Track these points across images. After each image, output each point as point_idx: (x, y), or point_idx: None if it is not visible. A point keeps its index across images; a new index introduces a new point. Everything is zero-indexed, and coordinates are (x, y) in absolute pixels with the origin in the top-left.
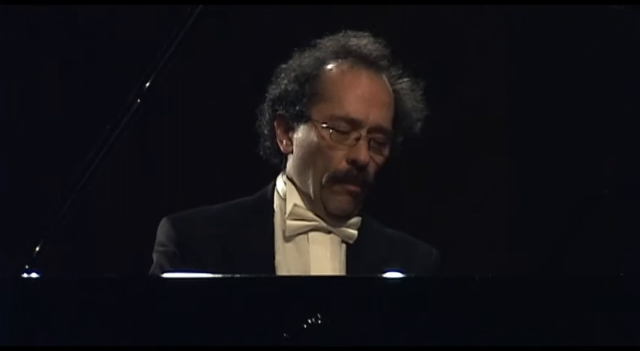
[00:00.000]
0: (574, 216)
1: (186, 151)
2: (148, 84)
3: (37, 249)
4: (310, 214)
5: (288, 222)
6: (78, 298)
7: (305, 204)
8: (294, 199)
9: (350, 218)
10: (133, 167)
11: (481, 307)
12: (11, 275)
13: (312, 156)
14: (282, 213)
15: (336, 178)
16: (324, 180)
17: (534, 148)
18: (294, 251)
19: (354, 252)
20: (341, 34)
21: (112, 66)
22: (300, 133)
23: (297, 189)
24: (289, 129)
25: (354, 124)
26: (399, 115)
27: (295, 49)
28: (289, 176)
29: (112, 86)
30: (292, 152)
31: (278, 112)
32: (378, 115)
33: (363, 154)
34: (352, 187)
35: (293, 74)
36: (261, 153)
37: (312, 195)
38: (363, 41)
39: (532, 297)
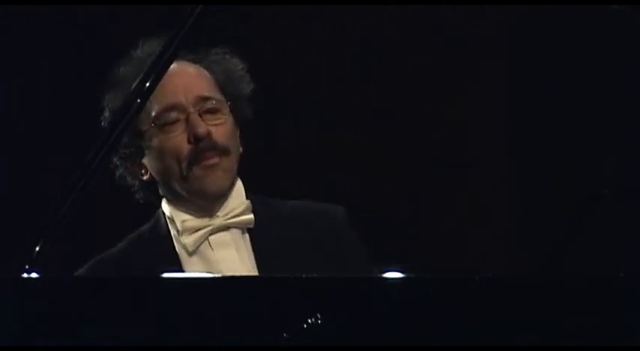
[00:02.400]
0: (574, 216)
1: None
2: (148, 84)
3: (37, 249)
4: (200, 222)
5: (185, 240)
6: (78, 298)
7: (192, 214)
8: (179, 216)
9: (238, 203)
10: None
11: (481, 307)
12: (11, 275)
13: (163, 161)
14: (176, 232)
15: (191, 162)
16: (183, 172)
17: (534, 148)
18: (201, 263)
19: (259, 240)
20: (130, 53)
21: (111, 66)
22: (146, 152)
23: (177, 204)
24: (138, 158)
25: (176, 108)
26: (220, 84)
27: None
28: (166, 197)
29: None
30: (152, 177)
31: (122, 153)
32: (194, 88)
33: (198, 126)
34: (210, 161)
35: (108, 112)
36: (140, 199)
37: (186, 195)
38: (149, 46)
39: (532, 297)
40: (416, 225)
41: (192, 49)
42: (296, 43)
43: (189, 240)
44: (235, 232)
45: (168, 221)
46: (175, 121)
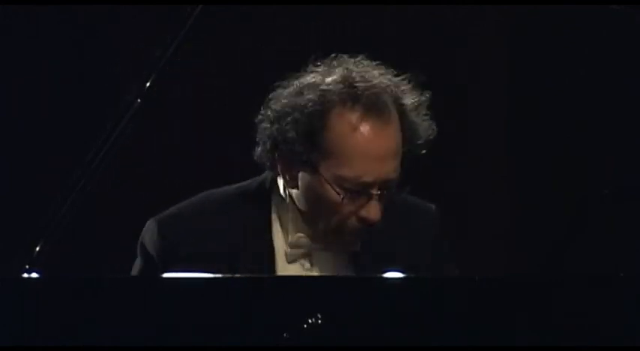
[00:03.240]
0: (574, 216)
1: (186, 151)
2: (148, 84)
3: (37, 249)
4: (310, 243)
5: (290, 251)
6: (78, 298)
7: (308, 231)
8: (296, 225)
9: None
10: (133, 167)
11: (481, 307)
12: (11, 275)
13: (320, 207)
14: (283, 229)
15: (346, 232)
16: (331, 230)
17: (534, 148)
18: (298, 272)
19: (360, 260)
20: (343, 68)
21: (112, 66)
22: (306, 179)
23: (301, 213)
24: (293, 168)
25: (365, 185)
26: (405, 142)
27: (286, 74)
28: (294, 197)
29: (112, 86)
30: (297, 187)
31: (281, 150)
32: (389, 170)
33: (374, 213)
34: (360, 236)
35: (293, 120)
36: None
37: (314, 232)
38: (370, 81)
39: (532, 297)
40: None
41: (397, 97)
42: (296, 43)
43: (293, 252)
44: (339, 252)
45: (275, 203)
46: (358, 192)
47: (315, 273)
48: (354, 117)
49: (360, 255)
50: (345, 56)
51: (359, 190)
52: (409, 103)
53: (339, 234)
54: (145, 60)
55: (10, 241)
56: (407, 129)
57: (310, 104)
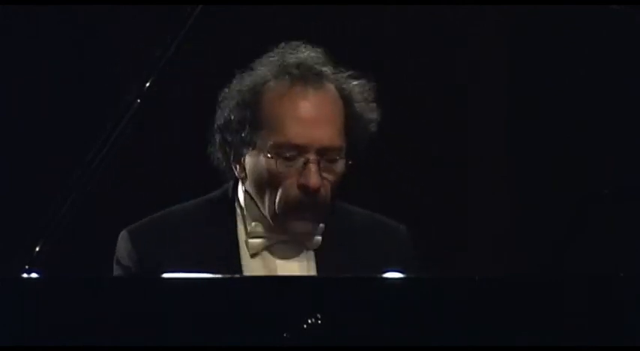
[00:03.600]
0: (574, 216)
1: (186, 151)
2: (148, 84)
3: (37, 249)
4: (269, 233)
5: (250, 241)
6: (78, 298)
7: (265, 223)
8: (254, 215)
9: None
10: (133, 167)
11: (481, 307)
12: (11, 275)
13: (263, 184)
14: (242, 225)
15: (290, 205)
16: (277, 208)
17: (534, 148)
18: (261, 267)
19: (323, 258)
20: (279, 50)
21: (112, 66)
22: (249, 161)
23: (257, 206)
24: (240, 155)
25: (299, 149)
26: (350, 118)
27: (235, 71)
28: (249, 192)
29: (112, 86)
30: (246, 178)
31: (226, 140)
32: (324, 134)
33: (313, 179)
34: (308, 213)
35: (234, 101)
36: (215, 163)
37: (270, 220)
38: (301, 54)
39: (532, 297)
40: (416, 225)
41: (336, 63)
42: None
43: (254, 242)
44: (301, 247)
45: (238, 206)
46: (292, 159)
47: (277, 265)
48: (282, 86)
49: (323, 253)
50: (284, 44)
51: (295, 157)
52: (350, 84)
53: (289, 213)
54: (145, 60)
55: (10, 241)
56: (349, 109)
57: (245, 85)
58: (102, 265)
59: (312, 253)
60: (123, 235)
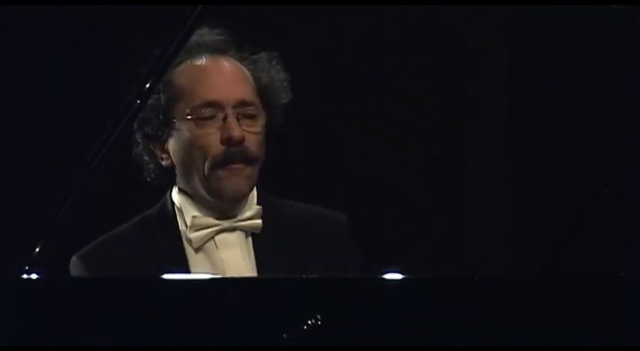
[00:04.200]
0: (574, 216)
1: None
2: (148, 84)
3: (37, 249)
4: (210, 220)
5: (192, 235)
6: (78, 298)
7: (202, 211)
8: (191, 210)
9: (249, 206)
10: (133, 167)
11: (481, 307)
12: (11, 275)
13: (189, 153)
14: (183, 226)
15: (218, 163)
16: (206, 170)
17: (534, 148)
18: (206, 260)
19: (261, 243)
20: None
21: (112, 66)
22: (173, 139)
23: (190, 197)
24: (162, 142)
25: (216, 105)
26: (262, 90)
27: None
28: (180, 187)
29: (112, 86)
30: (173, 164)
31: (147, 132)
32: (237, 90)
33: (234, 129)
34: (236, 166)
35: (147, 90)
36: (148, 178)
37: (203, 192)
38: (200, 33)
39: (532, 297)
40: (416, 225)
41: (239, 46)
42: (296, 43)
43: (195, 235)
44: (241, 234)
45: (176, 211)
46: (211, 118)
47: (220, 256)
48: (190, 60)
49: (261, 241)
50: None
51: (213, 115)
52: (255, 57)
53: (220, 172)
54: (145, 60)
55: (10, 241)
56: (257, 75)
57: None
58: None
59: (250, 241)
60: (73, 260)
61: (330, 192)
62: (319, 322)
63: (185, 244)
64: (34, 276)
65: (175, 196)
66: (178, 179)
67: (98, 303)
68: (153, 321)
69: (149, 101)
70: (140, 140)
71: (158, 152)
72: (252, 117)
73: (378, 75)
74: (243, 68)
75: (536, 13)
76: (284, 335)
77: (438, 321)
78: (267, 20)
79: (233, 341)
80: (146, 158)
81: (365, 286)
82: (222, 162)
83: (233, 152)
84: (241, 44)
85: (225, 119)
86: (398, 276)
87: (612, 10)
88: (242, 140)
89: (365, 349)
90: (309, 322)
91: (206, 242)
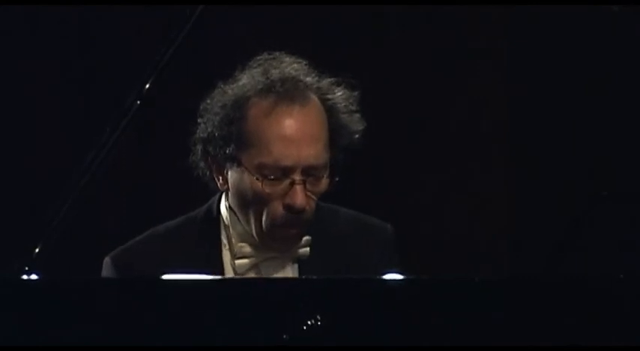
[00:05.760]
0: (574, 216)
1: (186, 152)
2: (148, 84)
3: (37, 249)
4: (256, 252)
5: (237, 262)
6: (78, 298)
7: (250, 238)
8: (239, 236)
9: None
10: (133, 167)
11: (481, 307)
12: (11, 275)
13: (248, 201)
14: (228, 243)
15: (276, 224)
16: (263, 227)
17: (534, 148)
18: None
19: (307, 268)
20: (261, 62)
21: (112, 66)
22: (233, 176)
23: (239, 225)
24: (223, 168)
25: (285, 170)
26: (334, 131)
27: (217, 84)
28: (233, 208)
29: (112, 87)
30: (229, 190)
31: (208, 150)
32: (310, 154)
33: (299, 199)
34: (293, 230)
35: (217, 117)
36: (201, 175)
37: (255, 236)
38: (284, 67)
39: (532, 297)
40: (416, 225)
41: (319, 73)
42: (295, 43)
43: (240, 263)
44: (287, 262)
45: (222, 224)
46: (278, 180)
47: None
48: (267, 103)
49: (307, 264)
50: (267, 55)
51: (280, 177)
52: (334, 95)
53: (275, 230)
54: (145, 60)
55: (10, 241)
56: (333, 121)
57: (229, 99)
58: (102, 266)
59: (296, 267)
60: (106, 261)
61: (331, 192)
62: (319, 322)
63: (226, 266)
64: (34, 276)
65: (224, 210)
66: (232, 203)
67: (98, 303)
68: (153, 321)
69: (218, 129)
70: (200, 152)
71: (216, 174)
72: (317, 178)
73: (378, 75)
74: (321, 113)
75: (536, 12)
76: (284, 335)
77: (438, 321)
78: (267, 20)
79: (233, 341)
80: (202, 167)
81: (365, 286)
82: (280, 224)
83: (292, 219)
84: (322, 75)
85: (291, 184)
86: (398, 276)
87: (612, 10)
88: (304, 210)
89: (365, 349)
90: (309, 322)
91: (250, 269)
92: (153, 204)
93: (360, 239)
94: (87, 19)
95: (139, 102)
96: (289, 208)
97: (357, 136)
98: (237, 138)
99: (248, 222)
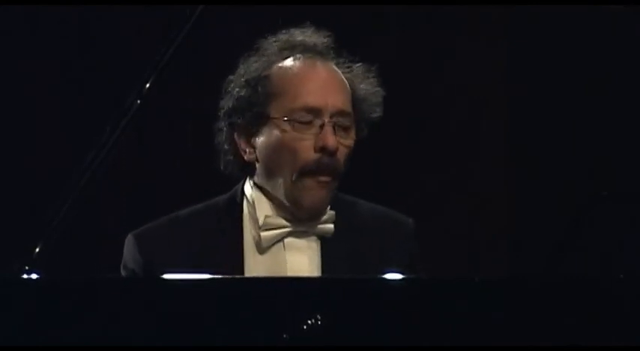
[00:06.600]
0: (574, 216)
1: (186, 151)
2: (148, 84)
3: (37, 249)
4: (283, 222)
5: (263, 234)
6: (78, 298)
7: (276, 211)
8: (265, 209)
9: (323, 214)
10: (133, 167)
11: (481, 307)
12: (11, 275)
13: (279, 154)
14: (252, 221)
15: (307, 170)
16: (294, 175)
17: (534, 148)
18: (268, 260)
19: (329, 247)
20: (283, 32)
21: (112, 66)
22: (263, 136)
23: (267, 195)
24: (250, 136)
25: (315, 112)
26: (356, 101)
27: (240, 56)
28: (258, 184)
29: (112, 87)
30: (257, 159)
31: (236, 122)
32: (337, 99)
33: (330, 139)
34: (324, 178)
35: (243, 80)
36: (223, 168)
37: (283, 196)
38: (306, 34)
39: (532, 297)
40: (416, 225)
41: (338, 52)
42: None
43: (266, 235)
44: (311, 239)
45: (246, 205)
46: (308, 123)
47: (286, 259)
48: (292, 60)
49: (330, 243)
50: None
51: (310, 120)
52: (353, 66)
53: (306, 181)
54: (145, 60)
55: (10, 241)
56: (353, 91)
57: (254, 64)
58: (102, 266)
59: (319, 245)
60: (129, 239)
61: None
62: (319, 322)
63: (247, 238)
64: (34, 276)
65: (249, 190)
66: (258, 175)
67: (98, 303)
68: (153, 321)
69: (243, 93)
70: (225, 129)
71: (242, 145)
72: (346, 129)
73: (378, 75)
74: (344, 78)
75: (536, 13)
76: (284, 335)
77: (438, 321)
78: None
79: (233, 341)
80: (226, 148)
81: (365, 286)
82: (311, 171)
83: (324, 162)
84: (340, 51)
85: (321, 126)
86: (398, 276)
87: (612, 10)
88: (336, 151)
89: (365, 349)
90: (309, 322)
91: (275, 243)
92: (153, 204)
93: (382, 231)
94: (87, 19)
95: (139, 102)
96: (322, 149)
97: (377, 110)
98: (264, 93)
99: (278, 180)
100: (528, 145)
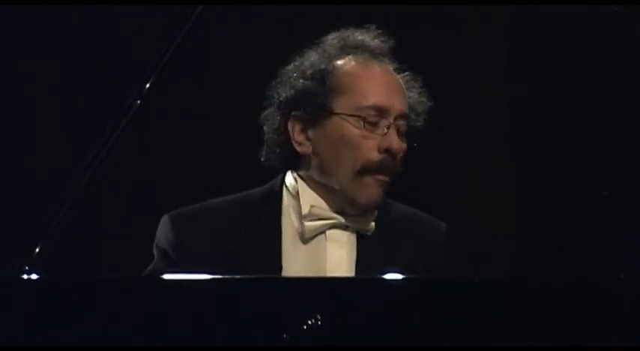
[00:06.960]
0: (574, 216)
1: (186, 152)
2: (148, 84)
3: (37, 249)
4: (329, 213)
5: (307, 224)
6: (78, 298)
7: (323, 202)
8: (310, 199)
9: (374, 212)
10: (133, 167)
11: (481, 307)
12: (11, 275)
13: (341, 149)
14: (294, 212)
15: (369, 169)
16: (355, 172)
17: (534, 148)
18: (309, 252)
19: (366, 244)
20: (343, 31)
21: (112, 66)
22: (322, 129)
23: (314, 187)
24: (306, 128)
25: (382, 112)
26: (408, 107)
27: (296, 49)
28: (304, 176)
29: (112, 87)
30: (311, 152)
31: (293, 113)
32: (401, 102)
33: (396, 141)
34: (383, 177)
35: (307, 72)
36: (263, 159)
37: (339, 190)
38: (367, 36)
39: (532, 297)
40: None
41: (392, 58)
42: (295, 43)
43: (310, 225)
44: (352, 234)
45: (286, 196)
46: (375, 123)
47: (327, 251)
48: (357, 59)
49: (367, 241)
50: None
51: (377, 121)
52: (403, 73)
53: (366, 177)
54: (145, 60)
55: (10, 241)
56: (408, 92)
57: (314, 58)
58: (102, 266)
59: (356, 241)
60: (164, 219)
61: None
62: (319, 322)
63: (285, 231)
64: (34, 276)
65: (291, 181)
66: (311, 167)
67: (98, 303)
68: (153, 321)
69: (304, 84)
70: (279, 119)
71: (297, 136)
72: (403, 132)
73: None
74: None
75: (535, 12)
76: (284, 335)
77: (438, 321)
78: (267, 20)
79: (233, 341)
80: (276, 137)
81: (365, 286)
82: (373, 169)
83: (386, 163)
84: (394, 57)
85: (387, 127)
86: (398, 276)
87: (612, 10)
88: (398, 153)
89: (365, 349)
90: (309, 322)
91: (317, 234)
92: (153, 204)
93: (417, 233)
94: (87, 19)
95: (139, 102)
96: (386, 150)
97: (420, 120)
98: (328, 88)
99: (335, 174)
100: (528, 145)
